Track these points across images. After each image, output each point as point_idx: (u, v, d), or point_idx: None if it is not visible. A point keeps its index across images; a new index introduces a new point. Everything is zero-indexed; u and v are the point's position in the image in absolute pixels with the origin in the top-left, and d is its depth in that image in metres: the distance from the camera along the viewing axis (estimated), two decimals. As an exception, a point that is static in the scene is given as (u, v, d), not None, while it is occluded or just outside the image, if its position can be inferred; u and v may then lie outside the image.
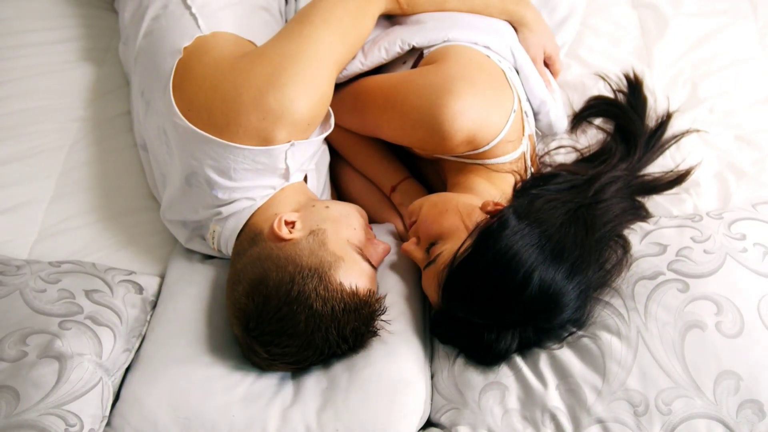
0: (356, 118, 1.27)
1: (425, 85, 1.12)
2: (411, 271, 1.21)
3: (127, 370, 1.10)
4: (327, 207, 1.15)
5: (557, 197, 1.11)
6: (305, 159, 1.20)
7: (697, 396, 0.97)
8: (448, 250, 1.06)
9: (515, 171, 1.19)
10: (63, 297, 1.09)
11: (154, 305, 1.20)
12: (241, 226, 1.15)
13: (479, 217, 1.08)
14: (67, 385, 0.99)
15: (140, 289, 1.19)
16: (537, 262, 0.99)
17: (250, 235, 1.13)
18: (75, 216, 1.35)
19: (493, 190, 1.17)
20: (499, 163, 1.18)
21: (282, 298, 1.00)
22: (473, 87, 1.11)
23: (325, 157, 1.33)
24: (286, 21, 1.49)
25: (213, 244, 1.20)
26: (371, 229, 1.21)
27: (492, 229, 1.03)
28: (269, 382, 1.07)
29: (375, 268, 1.13)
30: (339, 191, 1.43)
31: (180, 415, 1.02)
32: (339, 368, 1.06)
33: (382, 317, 1.07)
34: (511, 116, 1.15)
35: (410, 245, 1.16)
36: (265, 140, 1.10)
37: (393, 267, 1.21)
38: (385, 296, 1.10)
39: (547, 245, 1.01)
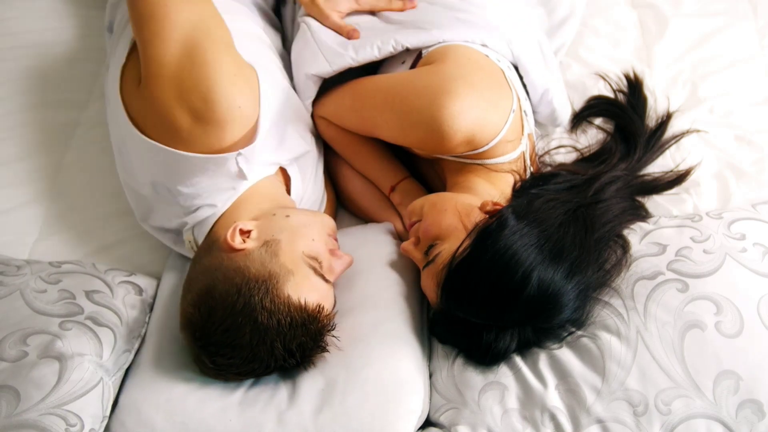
0: (354, 118, 1.26)
1: (424, 85, 1.12)
2: (410, 270, 1.21)
3: (126, 375, 1.10)
4: (287, 216, 1.11)
5: (557, 197, 1.11)
6: (264, 157, 1.15)
7: (697, 396, 0.97)
8: (446, 250, 1.06)
9: (514, 171, 1.19)
10: (63, 297, 1.09)
11: (152, 307, 1.20)
12: (206, 233, 1.14)
13: (478, 217, 1.08)
14: (68, 385, 0.99)
15: (140, 291, 1.19)
16: (536, 262, 0.99)
17: (209, 242, 1.11)
18: (75, 216, 1.36)
19: (493, 190, 1.17)
20: (498, 163, 1.18)
21: (227, 309, 0.99)
22: (472, 87, 1.11)
23: (311, 160, 1.30)
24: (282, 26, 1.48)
25: (194, 252, 1.19)
26: (336, 240, 1.17)
27: (491, 229, 1.03)
28: (265, 385, 1.06)
29: (330, 282, 1.09)
30: (338, 191, 1.43)
31: (177, 420, 1.01)
32: (336, 368, 1.05)
33: (332, 333, 1.05)
34: (510, 116, 1.15)
35: (409, 245, 1.15)
36: (211, 149, 1.07)
37: (392, 266, 1.21)
38: (335, 312, 1.08)
39: (546, 245, 1.01)
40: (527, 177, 1.22)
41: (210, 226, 1.14)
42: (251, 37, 1.30)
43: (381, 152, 1.34)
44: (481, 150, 1.14)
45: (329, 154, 1.45)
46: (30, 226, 1.34)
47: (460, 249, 1.03)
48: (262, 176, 1.17)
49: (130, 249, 1.32)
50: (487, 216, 1.07)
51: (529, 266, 0.99)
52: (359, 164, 1.36)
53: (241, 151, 1.08)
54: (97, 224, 1.35)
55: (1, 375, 0.98)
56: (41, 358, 1.00)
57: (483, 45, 1.24)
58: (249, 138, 1.10)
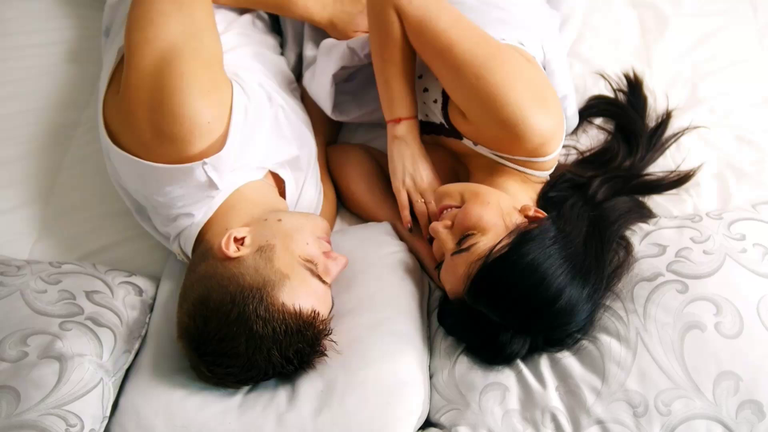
0: (439, 61, 1.15)
1: (523, 89, 1.09)
2: (410, 270, 1.21)
3: (126, 376, 1.10)
4: (279, 220, 1.10)
5: (576, 201, 1.13)
6: (241, 163, 1.14)
7: (697, 397, 0.97)
8: (484, 243, 1.06)
9: (545, 181, 1.20)
10: (63, 298, 1.09)
11: (152, 308, 1.20)
12: (192, 244, 1.14)
13: (518, 218, 1.08)
14: (68, 386, 0.99)
15: (140, 291, 1.19)
16: (567, 279, 1.01)
17: (202, 250, 1.10)
18: (75, 216, 1.36)
19: (524, 194, 1.17)
20: (541, 176, 1.18)
21: (222, 319, 0.99)
22: (556, 103, 1.13)
23: (305, 162, 1.29)
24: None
25: (186, 260, 1.19)
26: (330, 243, 1.16)
27: (532, 235, 1.03)
28: (265, 388, 1.06)
29: (328, 284, 1.09)
30: (339, 190, 1.43)
31: (177, 424, 1.01)
32: (335, 369, 1.05)
33: (330, 336, 1.05)
34: (564, 135, 1.16)
35: (441, 227, 1.12)
36: (178, 159, 1.07)
37: (392, 266, 1.21)
38: (331, 316, 1.08)
39: (577, 264, 1.03)
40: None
41: (193, 237, 1.13)
42: (246, 50, 1.30)
43: (412, 81, 1.26)
44: (539, 160, 1.14)
45: (331, 154, 1.46)
46: (30, 226, 1.34)
47: (499, 246, 1.03)
48: (244, 182, 1.16)
49: (130, 249, 1.32)
50: (528, 221, 1.08)
51: (562, 282, 1.00)
52: (387, 73, 1.23)
53: (206, 160, 1.07)
54: (97, 224, 1.35)
55: (1, 375, 0.98)
56: (41, 358, 1.00)
57: (520, 43, 1.22)
58: (217, 148, 1.09)
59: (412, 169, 1.23)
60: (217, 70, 1.11)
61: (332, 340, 1.06)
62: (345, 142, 1.52)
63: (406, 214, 1.26)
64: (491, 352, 1.05)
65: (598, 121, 1.44)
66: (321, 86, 1.34)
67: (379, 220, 1.34)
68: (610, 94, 1.46)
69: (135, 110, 1.07)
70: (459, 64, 1.10)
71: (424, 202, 1.24)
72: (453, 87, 1.15)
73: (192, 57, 1.07)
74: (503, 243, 1.03)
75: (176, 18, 1.09)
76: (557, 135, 1.13)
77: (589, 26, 1.60)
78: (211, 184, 1.10)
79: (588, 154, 1.36)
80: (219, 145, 1.08)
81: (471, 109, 1.14)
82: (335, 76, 1.32)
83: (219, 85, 1.10)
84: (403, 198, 1.25)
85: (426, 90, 1.27)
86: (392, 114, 1.25)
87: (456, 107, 1.19)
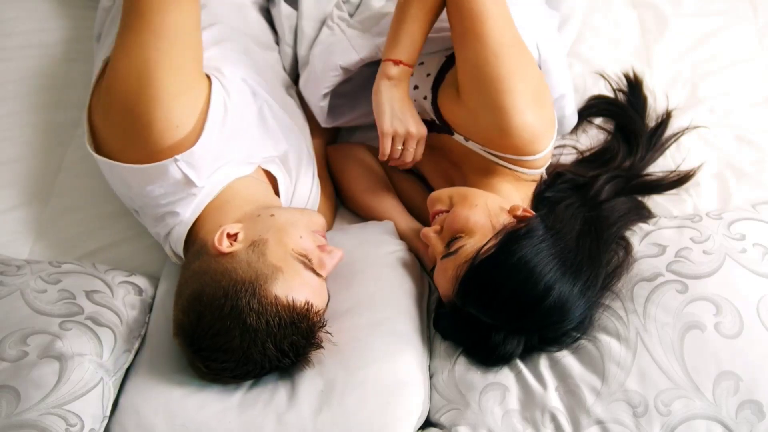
0: (467, 24, 1.12)
1: (529, 85, 1.11)
2: (409, 269, 1.21)
3: (126, 376, 1.10)
4: (272, 215, 1.10)
5: (572, 202, 1.13)
6: (221, 157, 1.13)
7: (697, 397, 0.97)
8: (471, 245, 1.06)
9: (538, 181, 1.20)
10: (63, 297, 1.09)
11: (152, 307, 1.20)
12: (181, 243, 1.13)
13: (506, 219, 1.08)
14: (68, 385, 0.99)
15: (140, 291, 1.19)
16: (557, 276, 1.01)
17: (197, 248, 1.10)
18: (74, 216, 1.36)
19: (516, 194, 1.17)
20: (532, 174, 1.18)
21: (215, 313, 0.99)
22: (549, 106, 1.14)
23: (294, 157, 1.28)
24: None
25: (177, 261, 1.19)
26: (325, 237, 1.16)
27: (519, 234, 1.03)
28: (264, 387, 1.06)
29: (323, 277, 1.08)
30: (339, 189, 1.43)
31: (177, 423, 1.01)
32: (335, 369, 1.05)
33: (325, 329, 1.05)
34: (555, 135, 1.17)
35: (431, 232, 1.14)
36: (151, 159, 1.07)
37: (391, 265, 1.20)
38: (325, 309, 1.07)
39: (568, 260, 1.02)
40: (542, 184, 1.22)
41: (182, 236, 1.13)
42: (235, 45, 1.29)
43: (427, 32, 1.22)
44: (527, 158, 1.14)
45: (331, 153, 1.46)
46: (30, 226, 1.34)
47: (486, 247, 1.03)
48: (232, 178, 1.15)
49: (129, 249, 1.32)
50: (516, 220, 1.08)
51: (551, 279, 1.00)
52: (409, 11, 1.18)
53: (177, 157, 1.07)
54: (97, 224, 1.35)
55: (1, 375, 0.98)
56: (41, 358, 1.00)
57: None
58: (188, 144, 1.08)
59: (400, 113, 1.19)
60: (188, 71, 1.09)
61: (328, 332, 1.05)
62: (344, 141, 1.52)
63: (383, 160, 1.22)
64: (485, 353, 1.06)
65: (598, 121, 1.45)
66: (314, 98, 1.34)
67: (379, 219, 1.34)
68: (610, 94, 1.46)
69: (112, 121, 1.07)
70: (484, 35, 1.09)
71: (403, 150, 1.21)
72: (466, 55, 1.13)
73: (158, 64, 1.05)
74: (490, 244, 1.03)
75: (147, 37, 1.06)
76: (547, 134, 1.13)
77: (589, 26, 1.60)
78: (188, 181, 1.10)
79: (588, 153, 1.36)
80: (191, 141, 1.08)
81: (472, 86, 1.13)
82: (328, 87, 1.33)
83: (191, 85, 1.09)
84: (386, 145, 1.20)
85: (416, 87, 1.27)
86: (394, 53, 1.19)
87: (447, 93, 1.20)
